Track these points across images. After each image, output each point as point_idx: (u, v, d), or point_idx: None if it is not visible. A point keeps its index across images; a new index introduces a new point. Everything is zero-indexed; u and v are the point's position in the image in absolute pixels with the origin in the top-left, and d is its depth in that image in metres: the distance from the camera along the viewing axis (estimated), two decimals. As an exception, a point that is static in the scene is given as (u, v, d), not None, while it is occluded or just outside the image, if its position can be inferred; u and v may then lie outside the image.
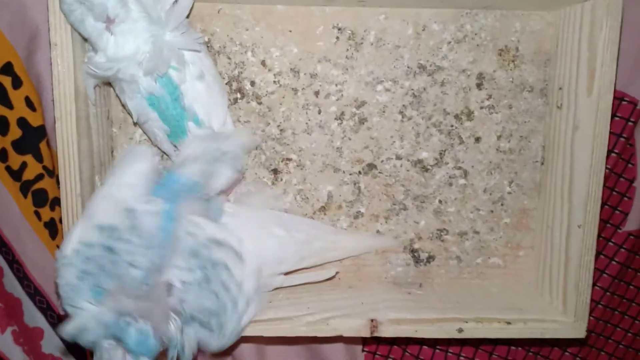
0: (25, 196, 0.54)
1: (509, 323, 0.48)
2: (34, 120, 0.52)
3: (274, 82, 0.51)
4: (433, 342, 0.60)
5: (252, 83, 0.51)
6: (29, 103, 0.52)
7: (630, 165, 0.57)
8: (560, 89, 0.49)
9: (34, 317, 0.58)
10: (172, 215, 0.40)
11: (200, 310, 0.40)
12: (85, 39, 0.43)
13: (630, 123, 0.54)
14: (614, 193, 0.57)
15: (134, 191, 0.40)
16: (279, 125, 0.52)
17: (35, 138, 0.52)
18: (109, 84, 0.46)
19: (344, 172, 0.53)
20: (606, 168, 0.55)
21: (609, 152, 0.55)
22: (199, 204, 0.42)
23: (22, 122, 0.52)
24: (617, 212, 0.58)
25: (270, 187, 0.49)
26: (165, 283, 0.39)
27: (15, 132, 0.52)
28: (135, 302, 0.37)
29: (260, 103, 0.51)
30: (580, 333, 0.48)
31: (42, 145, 0.53)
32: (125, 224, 0.38)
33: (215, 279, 0.40)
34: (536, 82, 0.52)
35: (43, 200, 0.54)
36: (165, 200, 0.40)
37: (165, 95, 0.44)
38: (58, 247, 0.56)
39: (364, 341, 0.59)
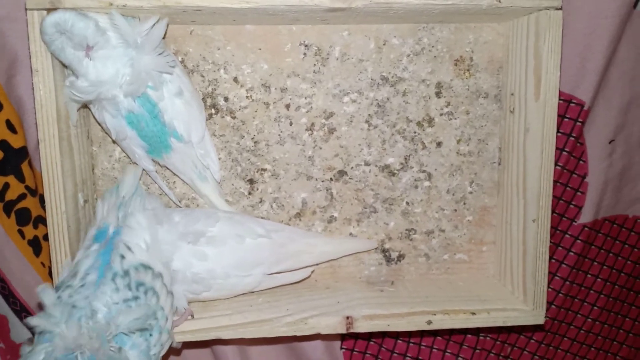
0: (8, 215, 0.56)
1: (473, 313, 0.51)
2: (15, 142, 0.54)
3: (247, 97, 0.54)
4: (407, 336, 0.63)
5: (226, 99, 0.54)
6: (9, 126, 0.53)
7: (581, 162, 0.61)
8: (512, 94, 0.54)
9: (21, 333, 0.60)
10: (103, 251, 0.45)
11: (133, 320, 0.41)
12: (65, 66, 0.45)
13: (578, 123, 0.59)
14: (568, 188, 0.62)
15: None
16: (253, 138, 0.55)
17: (17, 159, 0.54)
18: (86, 106, 0.48)
19: (316, 179, 0.56)
20: (559, 166, 0.60)
21: (561, 150, 0.59)
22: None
23: (3, 145, 0.54)
24: (571, 206, 0.62)
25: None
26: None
27: (-4, 154, 0.54)
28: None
29: (234, 117, 0.54)
30: (539, 319, 0.52)
31: (24, 166, 0.54)
32: (69, 272, 0.44)
33: (142, 295, 0.43)
34: (490, 88, 0.56)
35: (26, 218, 0.56)
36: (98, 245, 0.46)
37: (144, 113, 0.47)
38: (42, 263, 0.58)
39: (342, 338, 0.62)
